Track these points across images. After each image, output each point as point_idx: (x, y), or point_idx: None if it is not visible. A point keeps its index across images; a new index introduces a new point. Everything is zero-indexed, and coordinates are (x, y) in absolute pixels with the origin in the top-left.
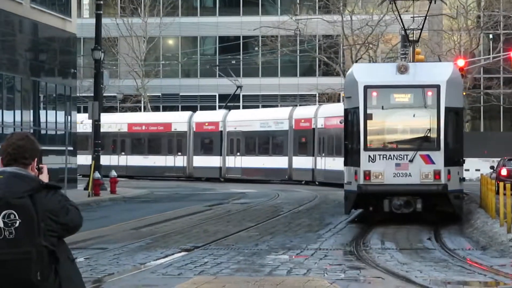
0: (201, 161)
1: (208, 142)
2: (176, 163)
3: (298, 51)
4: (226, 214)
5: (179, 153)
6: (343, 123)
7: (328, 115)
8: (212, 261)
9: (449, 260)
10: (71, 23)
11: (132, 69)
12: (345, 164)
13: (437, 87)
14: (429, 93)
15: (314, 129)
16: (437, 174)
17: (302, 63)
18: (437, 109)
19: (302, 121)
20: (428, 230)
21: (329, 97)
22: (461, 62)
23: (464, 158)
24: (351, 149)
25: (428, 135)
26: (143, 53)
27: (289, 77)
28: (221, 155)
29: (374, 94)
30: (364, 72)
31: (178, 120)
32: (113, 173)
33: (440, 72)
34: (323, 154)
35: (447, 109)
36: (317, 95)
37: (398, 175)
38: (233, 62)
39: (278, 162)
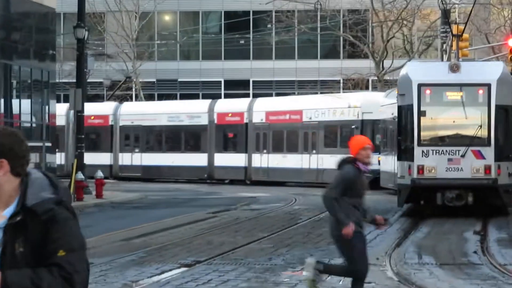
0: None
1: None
2: None
3: (318, 29)
4: (234, 223)
5: None
6: (354, 127)
7: (274, 110)
8: (217, 279)
9: (499, 277)
10: None
11: (122, 50)
12: (399, 159)
13: (488, 85)
14: (480, 91)
15: (247, 123)
16: (487, 169)
17: (324, 43)
18: (488, 107)
19: (229, 115)
20: (474, 241)
21: (356, 84)
22: None
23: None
24: (405, 145)
25: (479, 131)
26: (134, 31)
27: (308, 59)
28: (111, 151)
29: (428, 92)
30: (417, 70)
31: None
32: (99, 174)
33: (490, 71)
34: (265, 151)
35: (497, 107)
36: (341, 81)
37: (450, 169)
38: (242, 42)
39: (193, 159)
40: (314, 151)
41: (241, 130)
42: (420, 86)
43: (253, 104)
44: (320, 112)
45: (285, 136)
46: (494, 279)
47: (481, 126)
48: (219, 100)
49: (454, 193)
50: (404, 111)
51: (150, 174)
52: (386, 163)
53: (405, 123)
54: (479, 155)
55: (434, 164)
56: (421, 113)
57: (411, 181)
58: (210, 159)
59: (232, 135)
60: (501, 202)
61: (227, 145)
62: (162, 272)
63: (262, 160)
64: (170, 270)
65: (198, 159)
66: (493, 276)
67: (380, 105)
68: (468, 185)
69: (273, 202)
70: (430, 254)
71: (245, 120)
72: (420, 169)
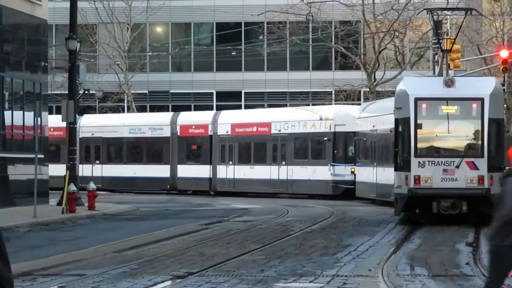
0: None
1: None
2: None
3: (310, 41)
4: (226, 234)
5: None
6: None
7: (240, 122)
8: None
9: None
10: (41, 7)
11: (114, 61)
12: (395, 169)
13: (481, 100)
14: (474, 105)
15: (211, 136)
16: (481, 179)
17: (315, 55)
18: (481, 120)
19: (193, 127)
20: (466, 253)
21: (348, 95)
22: (504, 53)
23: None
24: (402, 156)
25: (473, 143)
26: (126, 42)
27: (300, 71)
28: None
29: (424, 105)
30: (414, 85)
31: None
32: (92, 186)
33: (484, 86)
34: (231, 163)
35: (490, 120)
36: (333, 93)
37: (445, 179)
38: (234, 53)
39: (155, 171)
40: (283, 163)
41: (206, 142)
42: (416, 100)
43: (217, 117)
44: (290, 124)
45: (253, 147)
46: None
47: (475, 139)
48: (181, 113)
49: (449, 202)
50: (401, 124)
51: (111, 185)
52: (364, 173)
53: (402, 135)
54: (473, 166)
55: (430, 175)
56: (418, 126)
57: (408, 190)
58: (173, 171)
59: (196, 147)
60: (491, 211)
61: (191, 157)
62: (155, 284)
63: (228, 171)
64: (163, 281)
65: (160, 171)
66: None
67: (356, 117)
68: (463, 194)
69: (265, 214)
70: (422, 266)
71: (210, 132)
72: (417, 179)
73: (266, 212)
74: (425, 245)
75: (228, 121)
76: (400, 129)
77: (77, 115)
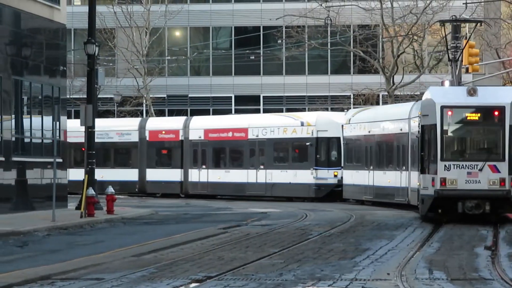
0: None
1: None
2: None
3: (329, 44)
4: (245, 238)
5: None
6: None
7: (214, 127)
8: None
9: None
10: (59, 12)
11: (132, 66)
12: (421, 172)
13: (503, 108)
14: (496, 113)
15: (182, 141)
16: (502, 181)
17: (334, 59)
18: (502, 127)
19: (163, 132)
20: (485, 256)
21: (366, 99)
22: None
23: None
24: (428, 160)
25: (495, 148)
26: (145, 47)
27: (318, 75)
28: None
29: (449, 113)
30: (439, 94)
31: None
32: (110, 190)
33: (504, 95)
34: (204, 167)
35: (511, 127)
36: (351, 97)
37: (469, 181)
38: (252, 57)
39: (124, 174)
40: (262, 167)
41: (177, 146)
42: (442, 108)
43: (189, 122)
44: (269, 130)
45: (228, 152)
46: None
47: (496, 144)
48: (150, 118)
49: (473, 202)
50: (427, 130)
51: (77, 188)
52: (355, 176)
53: (428, 140)
54: (495, 169)
55: (455, 177)
56: (444, 132)
57: (434, 191)
58: (141, 174)
59: (166, 152)
60: (511, 211)
61: (161, 161)
62: None
63: (201, 175)
64: (181, 286)
65: (128, 174)
66: None
67: (342, 123)
68: (485, 195)
69: (284, 218)
70: (441, 270)
71: (181, 138)
72: (443, 181)
73: (285, 216)
74: (443, 249)
75: (200, 126)
76: (426, 134)
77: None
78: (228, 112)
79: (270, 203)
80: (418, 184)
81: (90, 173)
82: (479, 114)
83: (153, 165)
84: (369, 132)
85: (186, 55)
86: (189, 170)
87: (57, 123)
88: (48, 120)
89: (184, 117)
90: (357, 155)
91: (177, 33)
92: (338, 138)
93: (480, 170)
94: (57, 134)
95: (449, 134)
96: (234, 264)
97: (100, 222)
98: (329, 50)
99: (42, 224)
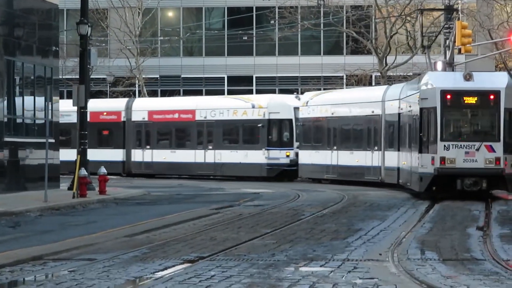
0: None
1: None
2: None
3: (322, 25)
4: (237, 219)
5: None
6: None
7: (159, 109)
8: (220, 275)
9: (501, 273)
10: None
11: (125, 46)
12: (420, 151)
13: (498, 92)
14: (491, 97)
15: (125, 122)
16: (497, 160)
17: (327, 40)
18: (497, 110)
19: (104, 113)
20: (477, 237)
21: (359, 80)
22: None
23: None
24: (428, 140)
25: (490, 129)
26: (137, 27)
27: (311, 55)
28: None
29: (448, 97)
30: (438, 79)
31: None
32: (102, 170)
33: (499, 80)
34: (148, 147)
35: (505, 109)
36: (344, 77)
37: (467, 160)
38: (245, 38)
39: (65, 154)
40: (210, 147)
41: (119, 127)
42: (442, 92)
43: (131, 104)
44: (218, 111)
45: (174, 133)
46: (497, 275)
47: (492, 125)
48: (92, 100)
49: (471, 180)
50: (427, 112)
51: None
52: (313, 156)
53: (427, 122)
54: (491, 149)
55: (454, 156)
56: (443, 114)
57: (434, 170)
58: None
59: (107, 132)
60: (505, 188)
61: (102, 141)
62: (165, 268)
63: (145, 155)
64: (173, 266)
65: (69, 154)
66: (495, 272)
67: (296, 105)
68: (482, 173)
69: (276, 198)
70: (433, 250)
71: (123, 119)
72: (442, 160)
73: (277, 196)
74: (436, 229)
75: (144, 108)
76: (425, 117)
77: None
78: (221, 92)
79: (239, 183)
80: (416, 163)
81: (82, 154)
82: (476, 98)
83: (95, 145)
84: (332, 114)
85: (178, 35)
86: (132, 150)
87: (50, 103)
88: (40, 100)
89: (126, 99)
90: (316, 136)
91: (170, 14)
92: (290, 120)
93: (477, 150)
94: (49, 115)
95: (448, 116)
96: (226, 245)
97: (92, 202)
98: (322, 31)
99: (34, 205)
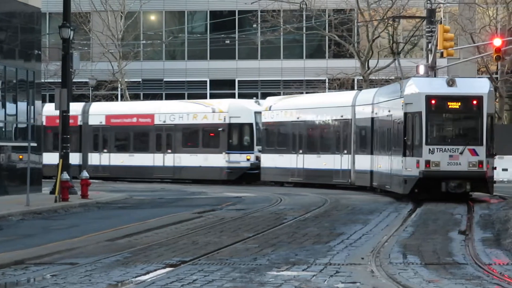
0: None
1: None
2: None
3: (304, 29)
4: (219, 223)
5: None
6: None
7: (117, 113)
8: (203, 279)
9: (483, 277)
10: None
11: (107, 50)
12: (404, 155)
13: (481, 97)
14: (474, 102)
15: (81, 126)
16: (480, 163)
17: (309, 43)
18: (480, 114)
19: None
20: (459, 241)
21: (341, 83)
22: (497, 42)
23: (496, 153)
24: (413, 144)
25: (474, 133)
26: (120, 31)
27: (293, 59)
28: None
29: (433, 102)
30: (422, 84)
31: None
32: (85, 174)
33: (481, 86)
34: (105, 151)
35: (487, 114)
36: (326, 81)
37: (451, 164)
38: (227, 41)
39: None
40: (169, 151)
41: (75, 131)
42: (427, 97)
43: (88, 108)
44: (177, 116)
45: (132, 137)
46: (479, 279)
47: (475, 130)
48: (47, 104)
49: (456, 182)
50: (412, 117)
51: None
52: (277, 160)
53: (412, 126)
54: (474, 153)
55: (439, 159)
56: (428, 119)
57: (419, 172)
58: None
59: None
60: (487, 190)
61: (57, 145)
62: (147, 272)
63: (102, 158)
64: (155, 270)
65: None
66: (478, 276)
67: (258, 110)
68: (466, 176)
69: (259, 202)
70: (415, 254)
71: (79, 123)
72: (427, 163)
73: (260, 200)
74: (418, 234)
75: (101, 112)
76: (410, 121)
77: None
78: (204, 96)
79: (226, 187)
80: (400, 166)
81: (64, 157)
82: (459, 103)
83: (50, 149)
84: (298, 118)
85: (161, 39)
86: (89, 154)
87: (32, 107)
88: (22, 104)
89: (82, 103)
90: (281, 140)
91: (152, 17)
92: (251, 124)
93: (461, 153)
94: (32, 118)
95: (433, 121)
96: (208, 249)
97: (74, 206)
98: (304, 35)
99: (16, 209)
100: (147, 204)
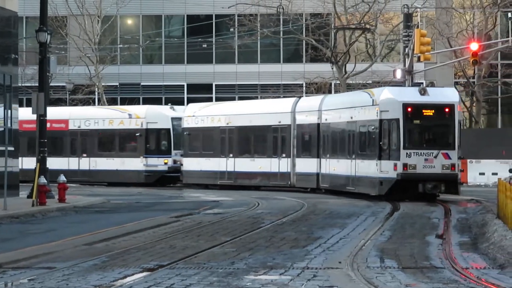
0: None
1: None
2: None
3: (281, 33)
4: (197, 227)
5: None
6: None
7: (25, 118)
8: (180, 283)
9: (460, 281)
10: (11, 0)
11: (84, 54)
12: (380, 158)
13: (453, 105)
14: (447, 110)
15: None
16: (452, 166)
17: (286, 47)
18: (452, 121)
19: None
20: (436, 245)
21: (318, 88)
22: (474, 46)
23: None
24: (389, 148)
25: (447, 139)
26: (97, 35)
27: (270, 63)
28: None
29: (409, 109)
30: (397, 93)
31: None
32: (62, 178)
33: (451, 95)
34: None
35: (458, 121)
36: (304, 85)
37: (426, 166)
38: (204, 45)
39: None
40: (84, 155)
41: None
42: (404, 105)
43: None
44: (92, 121)
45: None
46: (456, 283)
47: (448, 135)
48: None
49: (432, 184)
50: (388, 123)
51: None
52: (201, 164)
53: (389, 132)
54: (447, 156)
55: (415, 163)
56: (405, 125)
57: (397, 175)
58: None
59: None
60: (456, 191)
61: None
62: (125, 277)
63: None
64: (133, 274)
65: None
66: (455, 280)
67: (178, 116)
68: (440, 178)
69: (236, 206)
70: (392, 258)
71: None
72: (405, 166)
73: (237, 204)
74: (395, 238)
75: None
76: (387, 127)
77: None
78: (181, 100)
79: (228, 192)
80: (375, 169)
81: (42, 162)
82: (433, 110)
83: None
84: (228, 124)
85: (138, 43)
86: None
87: (9, 111)
88: None
89: None
90: (207, 144)
91: (129, 21)
92: (168, 130)
93: (435, 157)
94: (9, 123)
95: (410, 127)
96: (186, 253)
97: (52, 210)
98: (281, 39)
99: None
100: (124, 208)
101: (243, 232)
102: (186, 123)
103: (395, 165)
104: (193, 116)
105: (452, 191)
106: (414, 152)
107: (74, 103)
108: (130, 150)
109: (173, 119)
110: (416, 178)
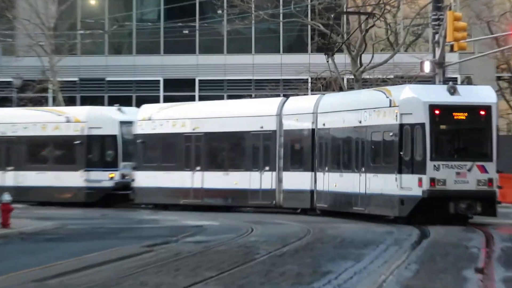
0: None
1: None
2: None
3: (281, 16)
4: (174, 259)
5: None
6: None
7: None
8: None
9: None
10: None
11: (36, 42)
12: (400, 172)
13: (489, 107)
14: (482, 113)
15: None
16: (490, 181)
17: (287, 34)
18: (489, 126)
19: None
20: (475, 281)
21: (328, 83)
22: None
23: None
24: (412, 160)
25: (483, 148)
26: (52, 18)
27: (268, 54)
28: None
29: (437, 112)
30: (422, 92)
31: None
32: (6, 197)
33: (487, 94)
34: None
35: (496, 127)
36: (309, 81)
37: (458, 182)
38: (186, 32)
39: None
40: (9, 168)
41: None
42: (431, 106)
43: None
44: (20, 126)
45: None
46: None
47: (484, 144)
48: None
49: (465, 203)
50: (410, 129)
51: None
52: (159, 179)
53: (412, 139)
54: (483, 170)
55: (445, 177)
56: (433, 131)
57: (423, 192)
58: None
59: None
60: (494, 213)
61: None
62: None
63: None
64: None
65: None
66: None
67: (131, 119)
68: (475, 195)
69: (224, 233)
70: None
71: None
72: (432, 181)
73: (225, 230)
74: (423, 272)
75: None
76: (409, 134)
77: None
78: (156, 98)
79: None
80: (394, 185)
81: None
82: (466, 113)
83: None
84: (194, 129)
85: (103, 28)
86: None
87: None
88: None
89: None
90: (167, 155)
91: (92, 2)
92: (115, 136)
93: (469, 170)
94: None
95: (438, 133)
96: None
97: None
98: (281, 23)
99: None
100: (84, 235)
101: (232, 265)
102: (140, 129)
103: (420, 180)
104: (149, 120)
105: (489, 212)
106: (443, 164)
107: (23, 102)
108: (67, 162)
109: (122, 123)
110: (446, 196)
